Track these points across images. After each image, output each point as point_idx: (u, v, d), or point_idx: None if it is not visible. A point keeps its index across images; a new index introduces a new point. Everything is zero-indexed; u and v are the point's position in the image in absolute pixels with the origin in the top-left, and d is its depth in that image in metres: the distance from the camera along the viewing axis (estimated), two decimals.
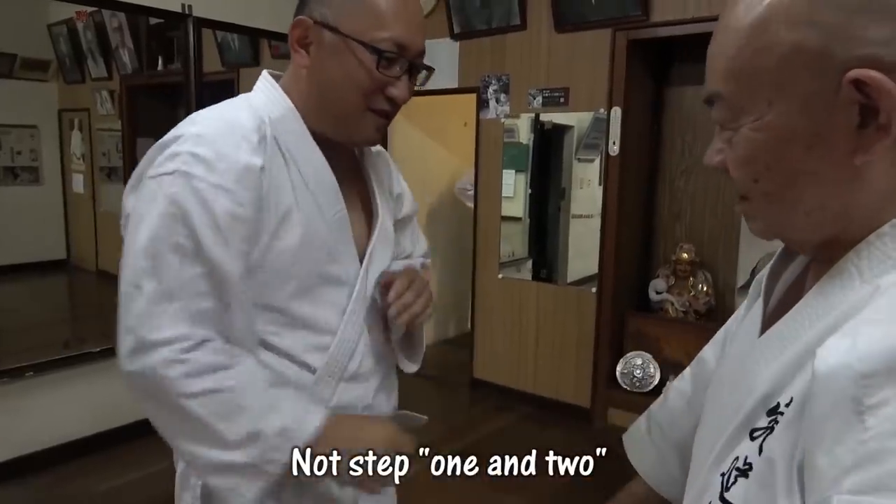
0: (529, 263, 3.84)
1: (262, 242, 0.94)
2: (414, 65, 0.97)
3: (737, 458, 0.56)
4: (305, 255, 0.97)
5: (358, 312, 1.04)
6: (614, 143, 3.29)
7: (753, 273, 3.35)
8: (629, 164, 3.36)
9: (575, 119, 3.53)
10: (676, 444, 0.90)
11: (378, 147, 1.15)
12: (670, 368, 3.31)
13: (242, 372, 0.92)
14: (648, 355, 3.36)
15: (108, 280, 3.86)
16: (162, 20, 3.25)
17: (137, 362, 0.89)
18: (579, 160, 3.79)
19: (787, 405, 0.51)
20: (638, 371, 3.36)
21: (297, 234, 0.96)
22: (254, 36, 3.69)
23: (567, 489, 2.89)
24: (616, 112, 3.26)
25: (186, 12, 3.17)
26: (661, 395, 0.97)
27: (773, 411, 0.53)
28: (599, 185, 3.90)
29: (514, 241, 3.89)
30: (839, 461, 0.43)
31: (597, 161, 3.82)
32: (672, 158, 3.57)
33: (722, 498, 0.56)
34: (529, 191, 3.81)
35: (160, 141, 0.95)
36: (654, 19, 3.11)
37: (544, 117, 3.60)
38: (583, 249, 3.74)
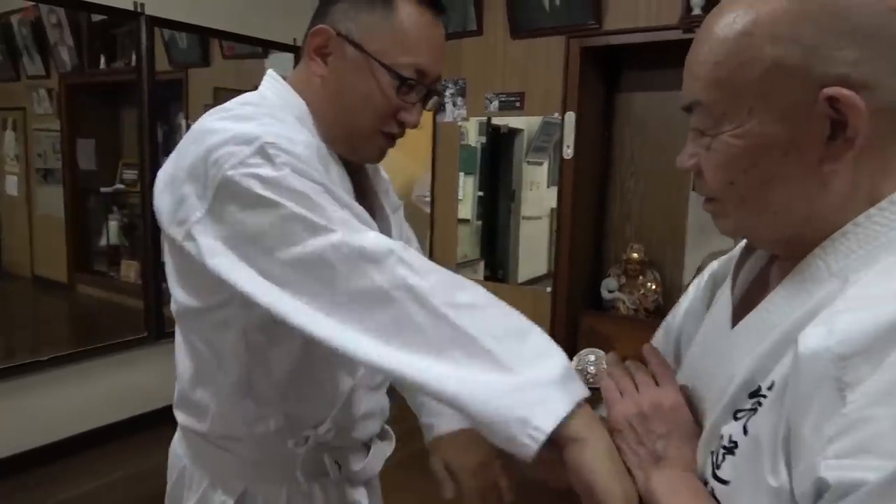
0: (482, 265, 3.91)
1: None
2: (430, 91, 0.96)
3: (722, 437, 0.61)
4: None
5: None
6: (568, 146, 3.40)
7: (698, 271, 3.50)
8: (582, 167, 3.47)
9: (525, 123, 3.63)
10: None
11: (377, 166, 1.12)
12: None
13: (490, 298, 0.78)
14: (601, 352, 3.47)
15: (45, 286, 3.74)
16: (105, 17, 3.16)
17: (389, 270, 0.74)
18: (529, 163, 3.89)
19: (769, 388, 0.57)
20: (591, 367, 3.45)
21: None
22: (207, 36, 3.62)
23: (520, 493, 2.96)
24: (570, 116, 3.36)
25: (138, 10, 3.09)
26: None
27: (755, 394, 0.59)
28: (548, 187, 4.01)
29: (464, 243, 3.95)
30: (823, 432, 0.49)
31: (546, 164, 3.93)
32: (622, 162, 3.70)
33: (715, 476, 0.62)
34: (479, 193, 3.88)
35: (209, 147, 0.81)
36: (606, 28, 3.24)
37: (495, 121, 3.69)
38: (533, 250, 3.83)
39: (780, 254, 0.67)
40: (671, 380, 0.72)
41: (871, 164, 0.57)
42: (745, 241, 0.78)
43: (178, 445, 1.07)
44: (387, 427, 1.13)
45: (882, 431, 0.46)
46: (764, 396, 0.58)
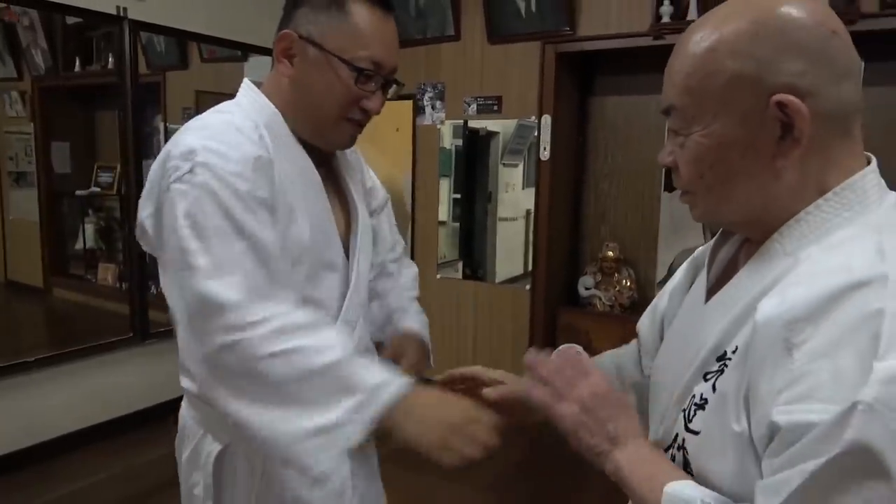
0: (461, 265, 3.99)
1: (279, 230, 1.01)
2: (387, 80, 1.08)
3: (694, 396, 0.72)
4: (310, 242, 1.06)
5: (355, 296, 1.14)
6: (545, 148, 3.50)
7: (671, 268, 3.65)
8: (558, 169, 3.58)
9: (500, 125, 3.73)
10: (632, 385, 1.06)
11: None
12: None
13: (320, 333, 0.94)
14: (580, 347, 3.58)
15: (19, 291, 3.71)
16: (80, 19, 3.15)
17: (207, 342, 0.91)
18: (504, 165, 3.99)
19: (734, 352, 0.68)
20: None
21: (303, 224, 1.05)
22: (188, 40, 3.64)
23: (506, 477, 3.05)
24: (546, 119, 3.47)
25: (121, 14, 3.10)
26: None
27: (722, 358, 0.70)
28: (523, 188, 4.11)
29: (442, 245, 4.04)
30: (775, 385, 0.60)
31: (521, 166, 4.03)
32: (596, 163, 3.82)
33: (687, 428, 0.73)
34: (454, 195, 3.97)
35: (166, 154, 0.99)
36: (580, 34, 3.35)
37: (470, 123, 3.78)
38: (510, 251, 3.93)
39: (742, 234, 0.78)
40: (590, 366, 0.80)
41: (817, 160, 0.68)
42: (720, 231, 0.89)
43: (183, 407, 1.20)
44: None
45: (822, 381, 0.57)
46: (729, 359, 0.68)
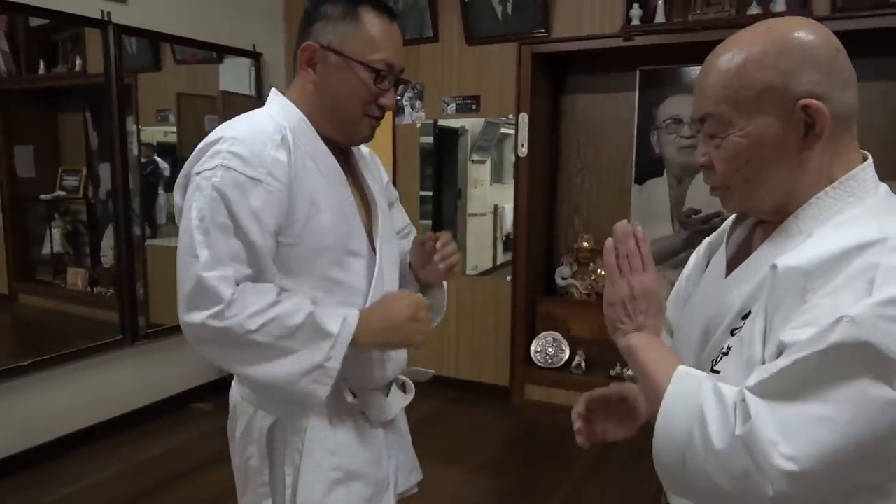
0: None
1: (299, 223, 1.15)
2: (398, 80, 1.22)
3: (722, 349, 0.87)
4: (335, 231, 1.20)
5: (381, 278, 1.27)
6: (523, 145, 3.66)
7: None
8: (536, 165, 3.74)
9: (469, 123, 3.87)
10: None
11: (367, 149, 1.41)
12: (578, 344, 3.73)
13: (287, 301, 1.14)
14: (558, 334, 3.76)
15: None
16: (46, 21, 3.13)
17: (197, 316, 1.09)
18: (473, 162, 4.14)
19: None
20: (550, 349, 3.74)
21: (327, 216, 1.18)
22: (171, 43, 3.66)
23: (498, 458, 3.20)
24: (524, 117, 3.62)
25: (106, 19, 3.12)
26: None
27: (746, 316, 0.85)
28: (491, 184, 4.26)
29: None
30: (789, 321, 0.76)
31: (488, 162, 4.19)
32: (569, 159, 4.00)
33: (713, 370, 0.88)
34: (420, 192, 4.07)
35: (204, 142, 1.15)
36: (555, 35, 3.52)
37: (440, 122, 3.91)
38: (479, 246, 4.08)
39: (768, 219, 0.92)
40: (652, 265, 0.94)
41: (829, 153, 0.84)
42: (733, 216, 1.05)
43: (233, 387, 1.34)
44: (406, 380, 1.38)
45: (822, 312, 0.72)
46: (750, 314, 0.83)
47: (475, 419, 3.58)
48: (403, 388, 1.36)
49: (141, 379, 3.50)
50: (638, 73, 3.73)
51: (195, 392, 3.77)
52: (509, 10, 3.56)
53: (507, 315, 3.80)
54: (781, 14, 2.98)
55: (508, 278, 3.80)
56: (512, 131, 3.89)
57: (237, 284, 1.10)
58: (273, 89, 1.26)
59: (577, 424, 1.11)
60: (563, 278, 3.87)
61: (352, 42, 1.16)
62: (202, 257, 1.08)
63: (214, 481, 2.85)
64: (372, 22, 1.17)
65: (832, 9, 2.95)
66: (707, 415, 0.76)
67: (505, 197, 4.30)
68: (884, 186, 0.86)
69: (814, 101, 0.80)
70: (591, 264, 3.83)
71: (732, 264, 0.96)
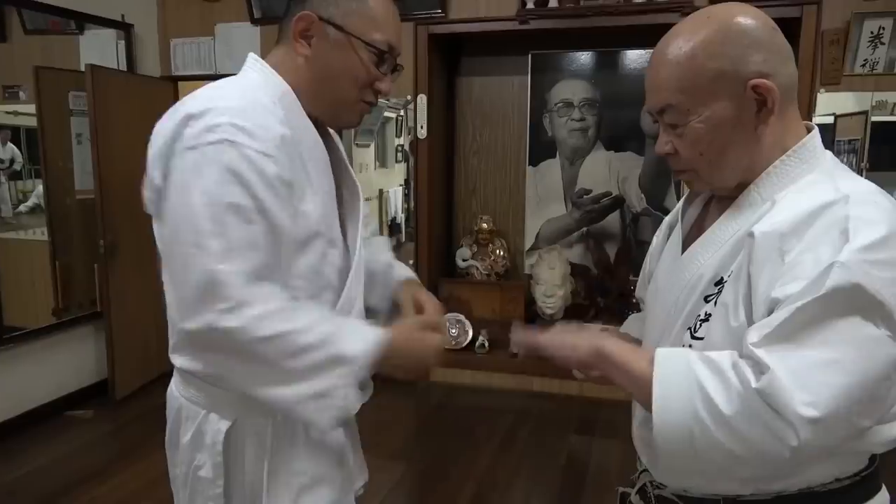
0: None
1: (293, 206, 1.03)
2: (397, 64, 1.13)
3: (698, 316, 0.91)
4: (321, 219, 1.09)
5: (357, 272, 1.18)
6: (422, 126, 3.63)
7: (538, 237, 3.98)
8: (434, 146, 3.73)
9: None
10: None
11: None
12: (481, 324, 3.78)
13: (304, 312, 1.01)
14: (461, 315, 3.79)
15: None
16: None
17: (202, 319, 0.94)
18: (357, 146, 4.07)
19: (729, 276, 0.88)
20: (454, 330, 3.76)
21: (318, 201, 1.07)
22: (12, 6, 3.23)
23: (411, 443, 3.18)
24: (422, 99, 3.59)
25: None
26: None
27: (720, 283, 0.89)
28: (375, 169, 4.21)
29: None
30: (770, 282, 0.80)
31: (372, 146, 4.13)
32: (465, 141, 4.03)
33: (693, 336, 0.91)
34: None
35: (177, 113, 0.98)
36: (451, 16, 3.51)
37: None
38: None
39: (728, 194, 0.96)
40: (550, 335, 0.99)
41: (780, 125, 0.89)
42: (684, 197, 1.09)
43: (174, 388, 1.17)
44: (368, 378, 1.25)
45: (806, 265, 0.77)
46: (726, 282, 0.88)
47: (383, 406, 3.49)
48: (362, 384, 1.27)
49: (3, 389, 3.10)
50: (530, 56, 3.82)
51: (70, 399, 3.41)
52: None
53: None
54: (668, 1, 3.16)
55: (411, 262, 3.76)
56: (394, 115, 3.84)
57: (255, 280, 0.96)
58: (251, 54, 1.11)
59: None
60: (464, 259, 3.90)
61: (355, 18, 1.05)
62: (213, 247, 0.93)
63: (100, 497, 2.61)
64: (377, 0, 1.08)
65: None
66: (706, 385, 0.78)
67: (390, 181, 4.26)
68: (829, 153, 0.93)
69: (762, 81, 0.85)
70: (491, 245, 3.89)
71: (689, 239, 1.00)
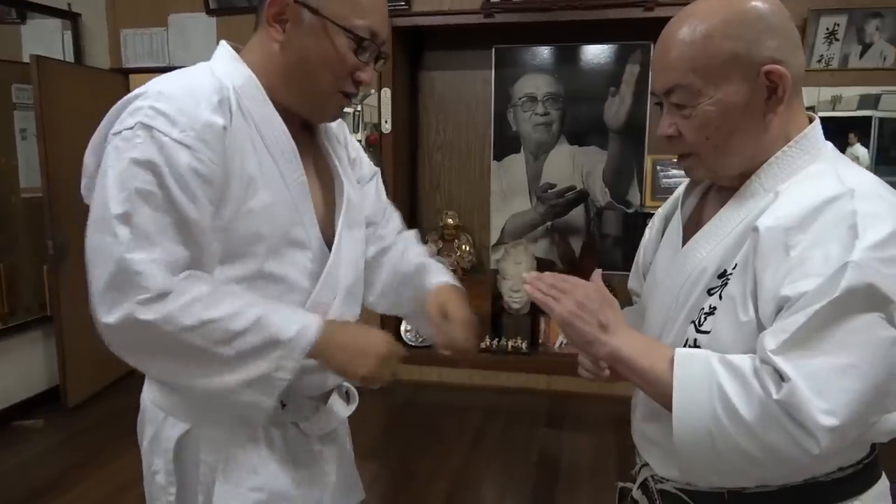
0: None
1: (231, 205, 0.97)
2: (380, 52, 1.04)
3: (702, 309, 0.89)
4: (272, 217, 1.01)
5: (334, 277, 1.09)
6: (386, 121, 3.57)
7: (503, 232, 3.97)
8: (399, 141, 3.67)
9: None
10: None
11: None
12: None
13: (231, 297, 0.96)
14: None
15: None
16: None
17: (120, 310, 0.89)
18: None
19: (734, 268, 0.86)
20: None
21: (265, 198, 0.99)
22: None
23: (380, 443, 3.13)
24: (386, 93, 3.53)
25: None
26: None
27: (723, 275, 0.88)
28: None
29: None
30: (779, 276, 0.79)
31: None
32: (429, 136, 3.99)
33: (698, 330, 0.90)
34: None
35: (122, 99, 0.96)
36: (415, 9, 3.45)
37: None
38: None
39: (730, 184, 0.95)
40: (579, 280, 0.94)
41: (787, 114, 0.88)
42: (685, 184, 1.08)
43: (144, 388, 1.14)
44: (349, 387, 1.17)
45: (816, 262, 0.76)
46: (731, 274, 0.86)
47: None
48: (347, 396, 1.16)
49: None
50: (494, 50, 3.80)
51: (19, 408, 3.25)
52: None
53: None
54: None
55: None
56: (351, 110, 3.77)
57: (174, 271, 0.90)
58: (223, 42, 1.04)
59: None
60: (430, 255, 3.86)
61: (333, 1, 0.97)
62: (122, 235, 0.88)
63: None
64: None
65: None
66: (727, 389, 0.77)
67: None
68: (830, 144, 0.92)
69: (776, 66, 0.83)
70: (456, 240, 3.86)
71: (687, 232, 0.99)
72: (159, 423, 1.06)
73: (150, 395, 1.10)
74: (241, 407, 0.98)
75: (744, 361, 0.78)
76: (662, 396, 0.82)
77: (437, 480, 2.73)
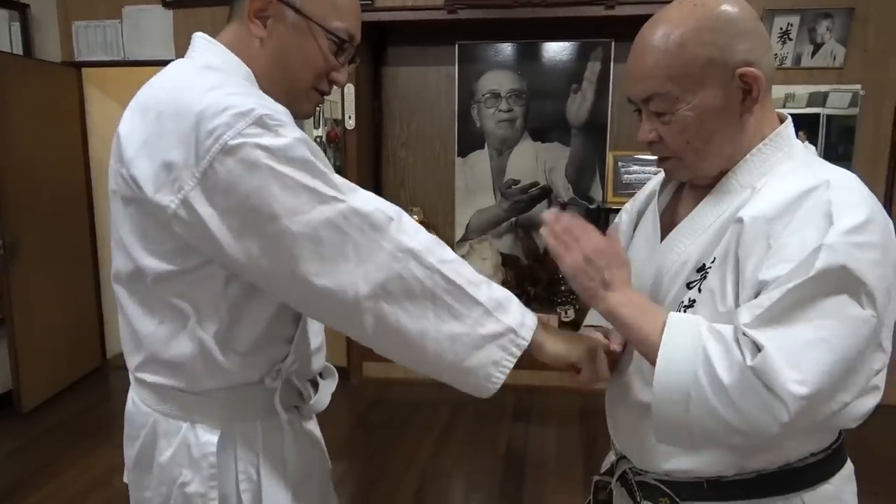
0: None
1: None
2: (354, 54, 1.07)
3: (682, 303, 0.92)
4: None
5: None
6: (350, 117, 3.54)
7: (468, 228, 3.98)
8: (363, 138, 3.65)
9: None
10: None
11: None
12: None
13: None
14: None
15: None
16: None
17: (382, 253, 0.88)
18: None
19: (712, 262, 0.90)
20: None
21: None
22: None
23: (350, 438, 3.12)
24: (350, 89, 3.50)
25: None
26: None
27: (702, 269, 0.91)
28: None
29: None
30: (757, 265, 0.82)
31: None
32: (393, 132, 3.97)
33: None
34: None
35: (197, 115, 0.87)
36: (378, 5, 3.43)
37: None
38: None
39: (708, 182, 0.97)
40: (592, 229, 0.96)
41: (760, 113, 0.92)
42: (660, 178, 1.10)
43: (141, 404, 1.07)
44: (329, 364, 1.23)
45: (792, 248, 0.79)
46: (709, 268, 0.90)
47: None
48: (325, 373, 1.22)
49: None
50: (457, 46, 3.80)
51: None
52: None
53: None
54: None
55: None
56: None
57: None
58: (199, 34, 1.01)
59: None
60: None
61: (316, 2, 0.98)
62: (340, 188, 0.89)
63: None
64: None
65: None
66: (711, 354, 0.80)
67: None
68: (799, 142, 0.96)
69: (749, 69, 0.86)
70: None
71: (663, 226, 1.01)
72: (183, 434, 1.02)
73: (161, 408, 1.04)
74: (481, 366, 0.95)
75: (727, 329, 0.81)
76: (648, 356, 0.85)
77: (406, 475, 2.73)
